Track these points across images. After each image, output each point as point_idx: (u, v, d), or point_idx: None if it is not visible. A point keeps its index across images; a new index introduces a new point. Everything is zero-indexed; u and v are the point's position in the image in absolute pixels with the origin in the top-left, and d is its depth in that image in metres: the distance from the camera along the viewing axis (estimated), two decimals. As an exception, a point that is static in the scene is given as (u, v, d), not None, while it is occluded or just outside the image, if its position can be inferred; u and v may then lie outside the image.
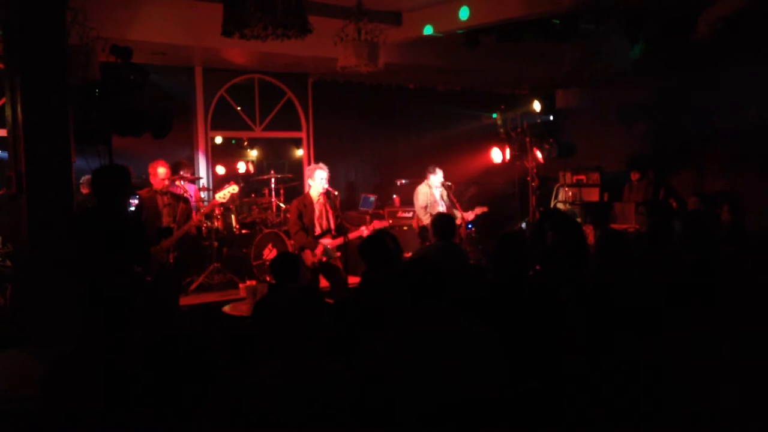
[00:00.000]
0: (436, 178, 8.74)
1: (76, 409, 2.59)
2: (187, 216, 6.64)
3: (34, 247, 4.40)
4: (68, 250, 4.34)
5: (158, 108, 5.97)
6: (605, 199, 11.24)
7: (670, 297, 3.52)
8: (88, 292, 4.04)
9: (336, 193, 7.13)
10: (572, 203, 11.02)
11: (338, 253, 7.04)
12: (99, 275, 4.24)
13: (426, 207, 8.69)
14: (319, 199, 7.04)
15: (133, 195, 6.59)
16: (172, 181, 7.14)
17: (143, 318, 4.09)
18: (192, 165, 9.84)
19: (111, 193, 4.58)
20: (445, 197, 8.82)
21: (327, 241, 6.96)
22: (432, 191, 8.77)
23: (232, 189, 7.34)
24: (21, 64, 4.61)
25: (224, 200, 7.52)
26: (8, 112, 4.68)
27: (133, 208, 6.57)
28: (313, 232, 6.98)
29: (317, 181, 6.99)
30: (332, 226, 7.06)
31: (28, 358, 3.77)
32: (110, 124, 5.62)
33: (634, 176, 10.96)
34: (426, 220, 8.54)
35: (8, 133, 4.70)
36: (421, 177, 9.03)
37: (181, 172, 8.77)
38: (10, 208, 4.89)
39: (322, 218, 7.04)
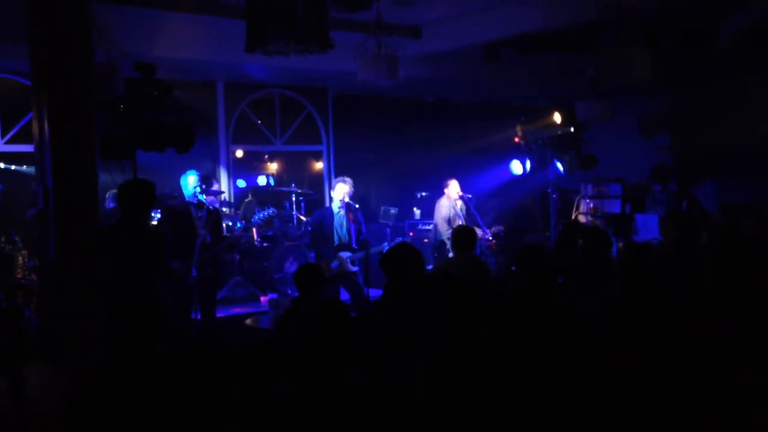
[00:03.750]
0: (454, 190, 8.78)
1: (102, 421, 2.61)
2: (219, 229, 6.61)
3: (60, 262, 4.46)
4: (95, 265, 4.40)
5: (181, 123, 6.04)
6: (627, 210, 11.15)
7: (696, 310, 3.48)
8: (114, 305, 4.09)
9: (357, 206, 7.16)
10: (594, 215, 10.94)
11: (355, 267, 7.06)
12: (125, 289, 4.29)
13: (449, 220, 8.71)
14: (339, 211, 7.09)
15: (155, 209, 6.63)
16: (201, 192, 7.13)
17: (165, 331, 4.13)
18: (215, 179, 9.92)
19: (137, 208, 4.64)
20: (463, 210, 8.84)
21: (347, 255, 6.98)
22: (451, 204, 8.80)
23: (272, 212, 7.38)
24: (48, 81, 4.69)
25: (261, 222, 7.55)
26: (35, 127, 4.76)
27: (155, 222, 6.62)
28: (332, 242, 7.02)
29: (338, 193, 7.04)
30: (353, 239, 7.08)
31: (54, 370, 3.81)
32: (134, 139, 5.70)
33: (657, 187, 10.88)
34: (447, 233, 8.55)
35: (35, 148, 4.77)
36: (441, 189, 9.05)
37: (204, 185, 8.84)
38: (37, 223, 4.96)
39: (342, 229, 7.08)
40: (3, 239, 7.73)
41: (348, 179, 7.16)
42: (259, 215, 7.32)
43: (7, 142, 8.34)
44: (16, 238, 7.60)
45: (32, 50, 4.90)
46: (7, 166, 9.41)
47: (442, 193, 9.02)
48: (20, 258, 7.45)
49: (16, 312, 5.73)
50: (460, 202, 8.87)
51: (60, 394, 2.90)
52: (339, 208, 7.09)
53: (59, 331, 4.45)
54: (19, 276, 7.33)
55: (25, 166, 9.21)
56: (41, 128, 4.68)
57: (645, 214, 10.48)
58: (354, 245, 7.08)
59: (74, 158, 4.61)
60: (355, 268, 7.09)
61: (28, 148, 7.81)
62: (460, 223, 8.45)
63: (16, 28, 5.49)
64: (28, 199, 7.66)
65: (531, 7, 7.90)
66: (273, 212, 7.33)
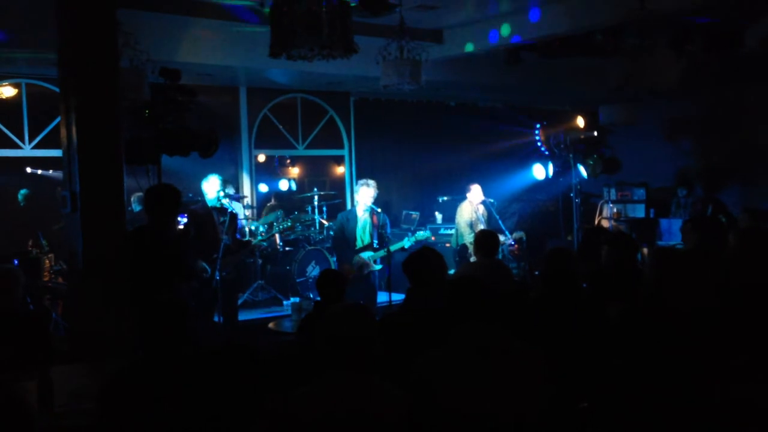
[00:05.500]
0: (476, 194, 8.77)
1: (130, 424, 2.64)
2: (236, 233, 6.68)
3: (87, 265, 4.51)
4: (121, 268, 4.45)
5: (205, 128, 6.09)
6: (651, 215, 11.07)
7: (720, 318, 3.44)
8: (141, 308, 4.12)
9: (379, 210, 7.16)
10: (617, 220, 10.87)
11: (378, 266, 7.07)
12: (150, 292, 4.33)
13: (471, 224, 8.70)
14: (363, 215, 7.08)
15: (181, 214, 6.69)
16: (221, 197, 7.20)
17: (191, 334, 4.15)
18: (236, 183, 9.99)
19: (163, 213, 4.69)
20: (485, 214, 8.82)
21: (367, 256, 6.99)
22: (474, 208, 8.79)
23: (287, 224, 7.45)
24: (76, 87, 4.74)
25: (282, 230, 7.64)
26: (63, 133, 4.81)
27: (181, 226, 6.67)
28: (354, 245, 7.02)
29: (363, 197, 7.03)
30: (373, 241, 7.08)
31: (81, 373, 3.85)
32: (159, 143, 5.76)
33: (682, 192, 10.78)
34: (469, 237, 8.54)
35: (63, 153, 4.83)
36: (462, 194, 9.05)
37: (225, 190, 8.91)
38: (64, 227, 5.02)
39: (365, 234, 7.08)
40: (30, 243, 7.84)
41: (372, 182, 7.15)
42: (281, 224, 7.40)
43: (34, 147, 8.45)
44: (43, 242, 7.71)
45: (60, 57, 4.96)
46: (34, 170, 9.57)
47: (463, 198, 9.01)
48: (47, 261, 7.54)
49: (45, 315, 5.80)
50: (482, 207, 8.86)
51: (89, 396, 2.93)
52: (363, 211, 7.08)
53: (86, 334, 4.50)
54: (46, 279, 7.42)
55: (51, 171, 9.36)
56: (69, 133, 4.73)
57: (669, 219, 10.39)
58: (375, 245, 7.08)
59: (101, 163, 4.65)
60: (377, 267, 7.09)
61: (54, 152, 7.97)
62: (482, 227, 8.44)
63: (44, 36, 5.58)
64: (56, 202, 7.78)
65: (554, 10, 7.87)
66: (287, 224, 7.41)
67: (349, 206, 10.42)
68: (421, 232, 7.71)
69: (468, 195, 8.91)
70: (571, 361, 3.36)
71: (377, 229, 7.13)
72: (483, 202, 8.90)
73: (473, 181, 9.04)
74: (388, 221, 7.28)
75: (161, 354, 2.79)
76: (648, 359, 3.12)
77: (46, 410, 3.05)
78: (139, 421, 2.64)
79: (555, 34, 8.19)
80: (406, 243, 7.21)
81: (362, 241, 7.08)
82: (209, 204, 6.44)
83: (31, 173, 9.65)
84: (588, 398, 3.26)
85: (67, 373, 3.69)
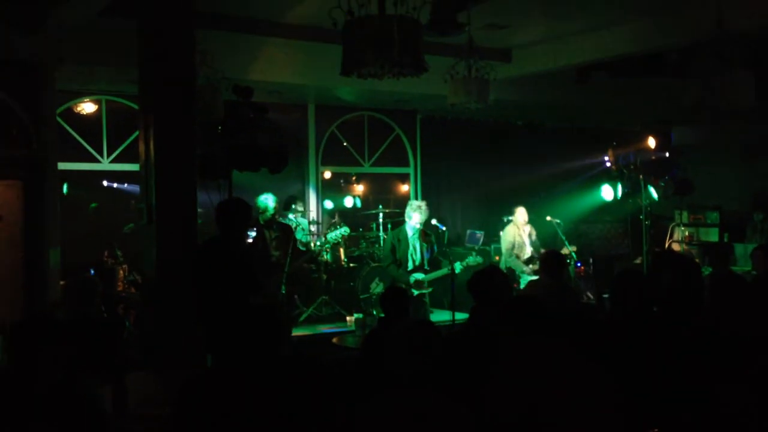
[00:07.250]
0: (521, 217, 8.56)
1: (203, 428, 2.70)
2: (296, 248, 6.80)
3: (160, 275, 4.65)
4: (193, 278, 4.57)
5: (275, 144, 6.22)
6: (725, 239, 10.69)
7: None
8: (210, 318, 4.22)
9: (444, 228, 7.16)
10: (689, 243, 10.54)
11: (429, 289, 7.08)
12: (220, 303, 4.43)
13: (513, 249, 8.47)
14: (413, 234, 7.11)
15: (251, 228, 6.84)
16: (282, 215, 7.36)
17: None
18: (303, 199, 10.13)
19: (233, 226, 4.80)
20: (532, 236, 8.58)
21: (419, 276, 6.99)
22: (519, 231, 8.58)
23: (344, 231, 7.52)
24: (154, 105, 4.94)
25: (335, 241, 7.73)
26: (141, 148, 5.01)
27: (250, 240, 6.81)
28: (406, 266, 7.04)
29: (413, 218, 7.08)
30: (424, 261, 7.10)
31: (152, 380, 3.97)
32: (231, 159, 5.90)
33: (758, 216, 10.39)
34: (509, 261, 8.37)
35: (140, 167, 5.02)
36: (530, 213, 8.90)
37: (293, 206, 9.07)
38: (140, 239, 5.20)
39: (416, 253, 7.10)
40: (106, 253, 8.12)
41: (423, 205, 7.16)
42: (333, 234, 7.48)
43: (112, 161, 8.77)
44: (118, 253, 7.97)
45: (141, 76, 5.17)
46: (110, 183, 9.92)
47: (529, 218, 8.85)
48: (121, 271, 7.80)
49: (119, 323, 6.00)
50: (528, 227, 8.62)
51: (160, 401, 3.02)
52: (413, 231, 7.12)
53: (157, 342, 4.64)
54: (120, 289, 7.67)
55: (126, 184, 9.68)
56: (146, 148, 4.92)
57: (745, 244, 10.02)
58: (426, 266, 7.10)
59: (176, 177, 4.82)
60: (428, 290, 7.10)
61: (130, 167, 8.26)
62: (528, 250, 8.32)
63: (124, 54, 5.82)
64: (126, 215, 8.05)
65: (626, 30, 7.75)
66: (345, 231, 7.46)
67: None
68: (472, 257, 7.57)
69: (512, 218, 8.74)
70: (641, 385, 3.27)
71: (430, 248, 7.14)
72: (549, 222, 8.73)
73: (539, 201, 8.92)
74: (445, 235, 7.26)
75: (240, 360, 2.82)
76: (717, 384, 3.03)
77: (120, 415, 3.16)
78: (212, 427, 2.69)
79: (626, 54, 8.06)
80: (457, 268, 7.13)
81: (413, 262, 7.10)
82: (262, 219, 6.60)
83: (107, 186, 10.00)
84: (660, 424, 3.17)
85: (139, 380, 3.81)
